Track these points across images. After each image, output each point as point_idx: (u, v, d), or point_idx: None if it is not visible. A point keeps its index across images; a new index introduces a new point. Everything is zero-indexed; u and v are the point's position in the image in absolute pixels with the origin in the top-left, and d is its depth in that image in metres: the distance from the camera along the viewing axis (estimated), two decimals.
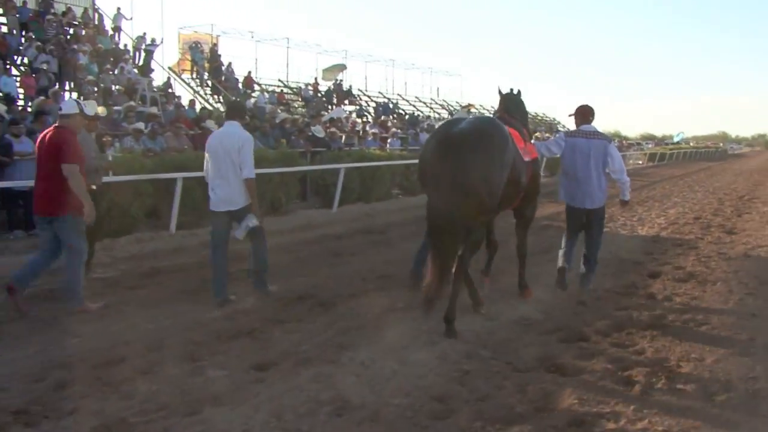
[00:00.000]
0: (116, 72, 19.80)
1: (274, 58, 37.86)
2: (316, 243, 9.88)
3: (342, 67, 40.61)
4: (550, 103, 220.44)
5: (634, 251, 9.24)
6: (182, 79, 29.53)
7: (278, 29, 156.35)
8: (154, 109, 15.66)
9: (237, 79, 31.64)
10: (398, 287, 6.76)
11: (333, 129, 18.53)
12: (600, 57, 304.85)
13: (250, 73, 33.15)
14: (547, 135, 24.66)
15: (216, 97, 30.30)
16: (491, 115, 6.61)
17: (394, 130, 22.90)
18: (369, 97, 41.69)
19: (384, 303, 6.26)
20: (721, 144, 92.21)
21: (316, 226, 11.62)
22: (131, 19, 25.09)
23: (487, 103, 51.18)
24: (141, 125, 12.16)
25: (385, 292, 6.71)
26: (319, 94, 36.92)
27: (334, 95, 37.26)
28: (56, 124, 6.03)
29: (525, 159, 5.82)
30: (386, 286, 6.96)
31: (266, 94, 32.46)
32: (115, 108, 14.41)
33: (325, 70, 39.83)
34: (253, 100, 29.43)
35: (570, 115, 6.68)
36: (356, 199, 15.00)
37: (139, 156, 10.59)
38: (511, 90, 6.78)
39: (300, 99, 35.62)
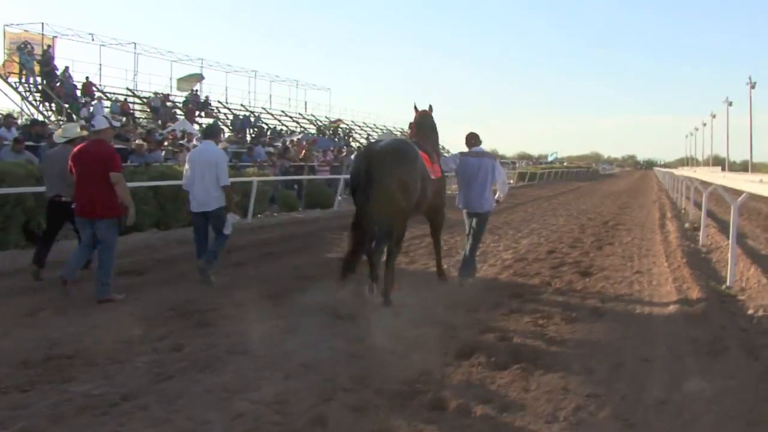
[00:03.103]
0: None
1: (122, 65, 33.31)
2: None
3: (199, 77, 37.13)
4: None
5: (453, 307, 6.65)
6: (9, 83, 25.79)
7: (126, 33, 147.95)
8: None
9: (75, 86, 27.80)
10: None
11: (139, 141, 15.57)
12: (479, 75, 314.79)
13: (88, 78, 29.04)
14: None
15: (47, 104, 26.60)
16: (406, 138, 7.93)
17: (225, 144, 19.73)
18: (229, 109, 38.50)
19: None
20: (594, 164, 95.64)
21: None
22: None
23: (358, 118, 49.41)
24: None
25: None
26: (168, 105, 33.35)
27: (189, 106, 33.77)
28: (92, 138, 6.99)
29: (432, 177, 7.16)
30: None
31: (104, 102, 28.90)
32: None
33: (179, 80, 36.18)
34: (91, 109, 26.12)
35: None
36: (153, 224, 12.28)
37: None
38: (425, 109, 8.09)
39: (148, 109, 31.96)
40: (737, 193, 8.90)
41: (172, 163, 14.53)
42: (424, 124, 7.95)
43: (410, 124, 8.31)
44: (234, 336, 5.65)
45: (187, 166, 7.84)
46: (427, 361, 4.98)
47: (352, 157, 25.57)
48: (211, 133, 8.34)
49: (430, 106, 8.14)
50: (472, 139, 8.00)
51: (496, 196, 8.24)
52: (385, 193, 6.37)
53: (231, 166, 17.88)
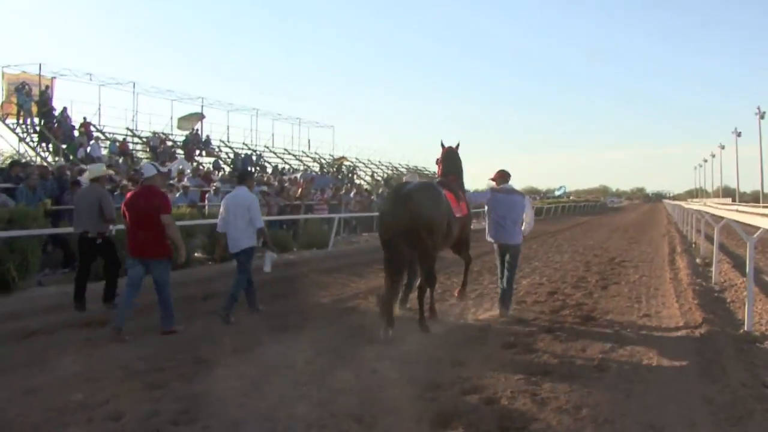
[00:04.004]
0: None
1: (122, 104, 33.20)
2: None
3: (199, 116, 36.95)
4: (426, 156, 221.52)
5: (438, 362, 5.93)
6: (6, 125, 25.54)
7: (125, 73, 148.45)
8: None
9: (72, 126, 27.66)
10: None
11: (125, 182, 15.10)
12: (486, 110, 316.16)
13: (85, 119, 28.90)
14: None
15: (44, 145, 26.38)
16: (432, 181, 8.51)
17: (216, 184, 19.19)
18: (231, 148, 38.23)
19: None
20: (602, 198, 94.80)
21: (49, 309, 8.73)
22: None
23: (362, 155, 48.99)
24: None
25: None
26: (169, 144, 33.16)
27: (190, 145, 33.59)
28: (145, 185, 7.55)
29: (456, 215, 7.79)
30: None
31: (101, 143, 28.67)
32: None
33: (180, 119, 35.99)
34: (88, 149, 25.86)
35: (491, 179, 8.59)
36: None
37: None
38: (451, 146, 8.62)
39: (148, 149, 31.76)
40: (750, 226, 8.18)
41: None
42: (450, 161, 8.48)
43: (437, 159, 8.72)
44: (183, 401, 4.97)
45: (222, 210, 8.39)
46: (398, 431, 4.26)
47: (372, 196, 25.27)
48: (244, 178, 8.78)
49: (458, 144, 8.62)
50: (504, 176, 8.45)
51: (522, 227, 8.44)
52: (413, 234, 6.91)
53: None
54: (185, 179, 18.63)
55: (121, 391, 5.25)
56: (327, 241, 17.87)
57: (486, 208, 8.50)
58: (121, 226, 8.71)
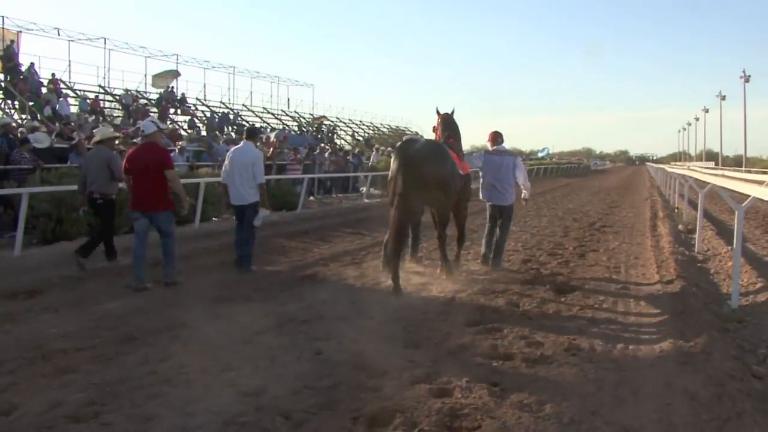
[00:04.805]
0: None
1: (94, 61, 31.92)
2: None
3: (175, 74, 35.64)
4: (408, 115, 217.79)
5: (390, 342, 5.30)
6: None
7: (95, 28, 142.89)
8: None
9: (40, 82, 26.43)
10: None
11: (81, 139, 14.28)
12: (468, 70, 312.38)
13: (54, 75, 27.67)
14: None
15: (9, 102, 25.18)
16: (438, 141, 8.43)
17: (182, 143, 18.22)
18: (207, 106, 37.05)
19: None
20: (585, 160, 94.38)
21: None
22: None
23: (343, 115, 47.88)
24: None
25: None
26: (142, 102, 32.04)
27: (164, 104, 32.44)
28: (146, 142, 7.77)
29: (461, 173, 7.90)
30: None
31: (70, 101, 27.59)
32: None
33: (155, 76, 34.73)
34: (57, 107, 24.79)
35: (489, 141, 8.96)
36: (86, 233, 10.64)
37: None
38: (447, 112, 8.66)
39: (120, 107, 30.66)
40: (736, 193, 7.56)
41: None
42: (448, 125, 8.50)
43: (434, 126, 8.79)
44: (92, 389, 4.32)
45: (226, 163, 8.61)
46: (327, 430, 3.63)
47: (368, 157, 24.31)
48: (251, 134, 9.03)
49: (453, 110, 8.66)
50: (496, 138, 8.79)
51: (523, 195, 8.86)
52: (427, 189, 7.19)
53: (189, 166, 16.65)
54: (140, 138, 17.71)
55: (25, 376, 4.59)
56: (297, 203, 17.13)
57: (480, 170, 8.78)
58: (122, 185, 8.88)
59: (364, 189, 22.07)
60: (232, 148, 9.31)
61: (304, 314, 6.28)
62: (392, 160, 7.68)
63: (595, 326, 5.78)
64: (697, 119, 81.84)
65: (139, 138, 8.61)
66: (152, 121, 8.20)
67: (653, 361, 4.72)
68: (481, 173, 8.86)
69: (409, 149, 7.43)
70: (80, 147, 13.76)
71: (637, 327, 5.74)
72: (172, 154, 16.82)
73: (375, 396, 4.14)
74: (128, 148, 10.57)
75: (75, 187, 10.27)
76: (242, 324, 5.88)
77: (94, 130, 11.33)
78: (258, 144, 9.63)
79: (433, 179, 7.21)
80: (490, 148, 8.83)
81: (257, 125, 35.91)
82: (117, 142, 10.37)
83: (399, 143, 8.28)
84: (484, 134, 9.10)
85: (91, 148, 10.00)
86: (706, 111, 75.94)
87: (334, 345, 5.27)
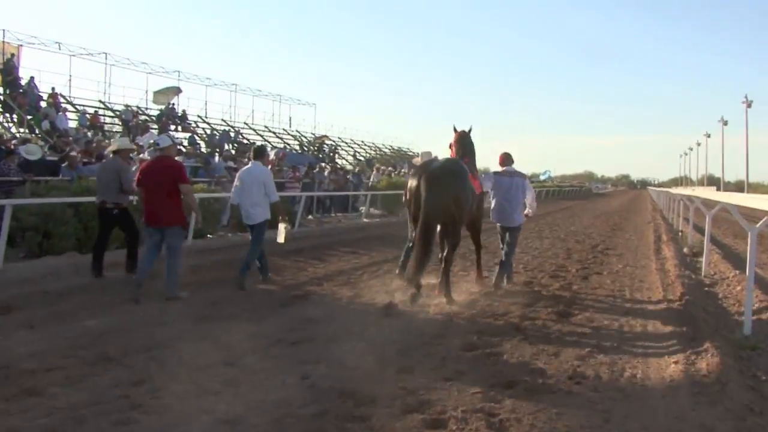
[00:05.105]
0: None
1: (93, 76, 31.87)
2: None
3: (176, 90, 35.53)
4: (410, 137, 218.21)
5: (381, 365, 4.96)
6: None
7: (96, 43, 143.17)
8: None
9: (40, 96, 26.24)
10: None
11: (74, 153, 14.03)
12: (472, 93, 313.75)
13: (54, 89, 27.49)
14: None
15: (8, 115, 25.00)
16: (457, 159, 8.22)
17: (179, 159, 17.91)
18: (208, 124, 36.87)
19: None
20: (587, 183, 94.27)
21: None
22: None
23: (345, 134, 47.69)
24: None
25: None
26: (142, 118, 31.87)
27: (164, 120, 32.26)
28: (160, 155, 7.81)
29: (476, 192, 7.98)
30: None
31: (69, 115, 27.43)
32: None
33: (156, 93, 34.59)
34: (56, 121, 24.58)
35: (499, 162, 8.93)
36: (73, 247, 10.44)
37: None
38: (464, 130, 8.63)
39: (120, 123, 30.47)
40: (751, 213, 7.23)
41: None
42: (464, 144, 8.47)
43: (450, 143, 8.64)
44: (56, 414, 4.00)
45: (237, 182, 8.81)
46: None
47: (369, 176, 24.06)
48: (258, 154, 9.08)
49: (470, 128, 8.65)
50: (506, 159, 8.81)
51: (526, 211, 8.83)
52: (443, 208, 7.26)
53: None
54: (145, 153, 17.47)
55: None
56: (294, 221, 16.79)
57: (490, 190, 8.80)
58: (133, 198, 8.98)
59: (363, 209, 21.77)
60: (242, 169, 9.43)
61: (292, 336, 5.95)
62: (410, 177, 7.75)
63: (600, 352, 5.42)
64: (699, 144, 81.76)
65: (147, 151, 8.77)
66: (168, 135, 8.33)
67: (664, 392, 4.37)
68: (491, 194, 8.80)
69: (432, 167, 7.51)
70: (72, 160, 13.53)
71: (645, 354, 5.39)
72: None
73: (363, 426, 3.81)
74: (131, 162, 10.40)
75: (62, 200, 10.08)
76: (226, 345, 5.56)
77: (111, 140, 11.45)
78: (267, 163, 9.54)
79: (453, 198, 7.30)
80: (499, 169, 8.82)
81: (258, 143, 35.74)
82: (131, 155, 10.32)
83: (419, 162, 8.59)
84: (485, 156, 9.06)
85: (105, 157, 10.19)
86: (708, 136, 75.81)
87: (322, 369, 4.93)
